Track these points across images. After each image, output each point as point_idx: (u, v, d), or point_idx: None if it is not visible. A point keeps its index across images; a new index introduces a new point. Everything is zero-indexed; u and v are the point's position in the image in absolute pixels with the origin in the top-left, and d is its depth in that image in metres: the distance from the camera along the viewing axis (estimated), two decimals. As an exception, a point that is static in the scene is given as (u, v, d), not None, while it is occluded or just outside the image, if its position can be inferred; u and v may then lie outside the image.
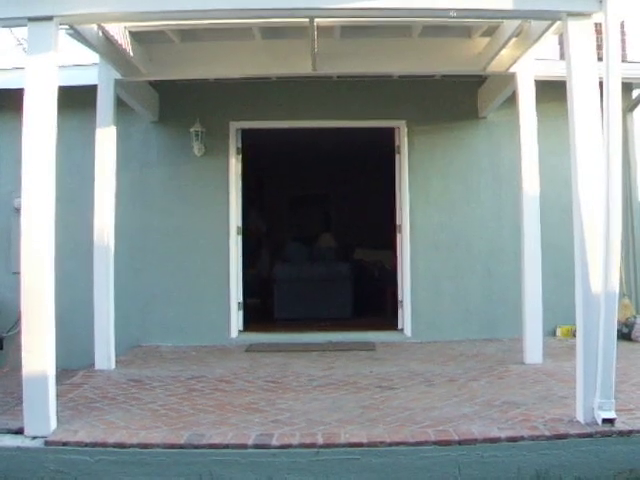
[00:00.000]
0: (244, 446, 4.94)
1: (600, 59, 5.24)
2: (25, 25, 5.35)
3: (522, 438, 4.97)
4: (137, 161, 9.36)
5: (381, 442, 4.95)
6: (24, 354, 5.25)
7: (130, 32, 7.16)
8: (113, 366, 7.65)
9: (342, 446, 4.92)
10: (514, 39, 7.11)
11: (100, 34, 6.79)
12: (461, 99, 9.43)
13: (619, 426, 5.06)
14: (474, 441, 4.94)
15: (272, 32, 7.48)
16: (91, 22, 6.39)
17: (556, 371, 7.08)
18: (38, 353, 5.25)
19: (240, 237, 9.62)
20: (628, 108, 9.47)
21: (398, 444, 4.93)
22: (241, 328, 9.62)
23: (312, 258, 12.45)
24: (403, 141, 9.51)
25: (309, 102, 9.43)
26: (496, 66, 7.64)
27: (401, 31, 7.50)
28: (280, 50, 7.67)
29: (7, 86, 8.58)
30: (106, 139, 7.60)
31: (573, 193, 5.39)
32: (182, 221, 9.37)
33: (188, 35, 7.60)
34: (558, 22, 5.84)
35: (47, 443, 5.07)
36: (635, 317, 9.02)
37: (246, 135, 9.74)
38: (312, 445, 4.93)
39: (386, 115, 9.53)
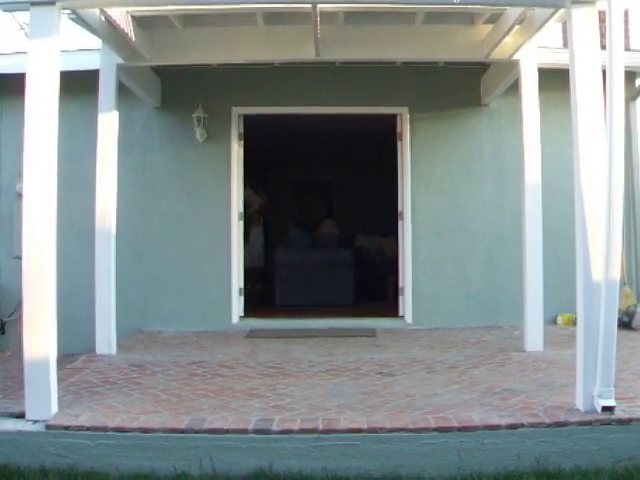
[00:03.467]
0: (245, 431, 4.95)
1: (603, 47, 5.22)
2: (27, 9, 5.35)
3: (522, 425, 4.97)
4: (139, 146, 9.36)
5: (381, 428, 4.96)
6: (25, 338, 5.27)
7: (132, 17, 7.14)
8: (114, 351, 7.67)
9: (342, 432, 4.93)
10: (517, 26, 7.10)
11: (102, 19, 6.77)
12: (464, 86, 9.41)
13: (619, 414, 5.06)
14: (474, 428, 4.95)
15: (275, 18, 7.47)
16: (93, 6, 6.36)
17: (556, 359, 7.09)
18: (39, 337, 5.27)
19: (242, 223, 9.62)
20: (631, 97, 9.45)
21: (398, 430, 4.94)
22: (242, 314, 9.63)
23: (314, 244, 12.45)
24: (405, 128, 9.50)
25: (312, 88, 9.42)
26: (499, 53, 7.63)
27: (404, 18, 7.48)
28: (283, 36, 7.66)
29: (9, 71, 8.58)
30: (108, 124, 7.59)
31: (575, 181, 5.39)
32: (184, 206, 9.38)
33: (191, 20, 7.58)
34: (562, 10, 5.81)
35: (48, 427, 5.08)
36: (636, 306, 9.02)
37: (248, 121, 9.73)
38: (313, 430, 4.94)
39: (388, 102, 9.52)
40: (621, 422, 5.00)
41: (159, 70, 9.13)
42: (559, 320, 9.17)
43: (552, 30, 7.40)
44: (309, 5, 6.49)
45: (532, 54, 7.50)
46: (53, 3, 5.32)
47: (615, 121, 5.06)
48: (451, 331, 8.88)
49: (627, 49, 9.58)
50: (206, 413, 5.31)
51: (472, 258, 9.39)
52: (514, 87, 7.86)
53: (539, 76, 7.50)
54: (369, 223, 14.33)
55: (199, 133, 9.28)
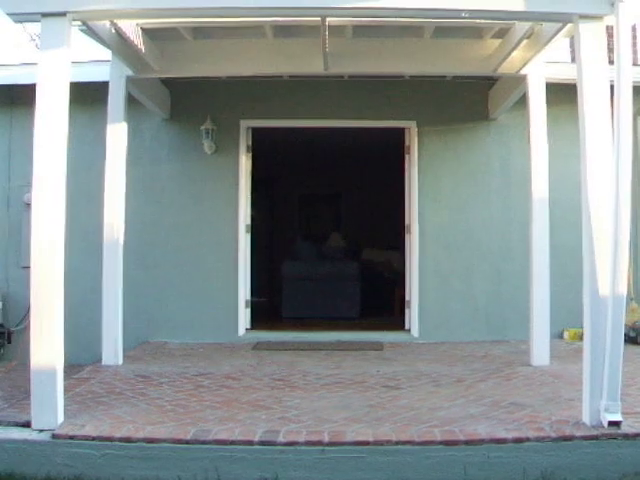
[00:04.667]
0: (250, 442, 4.96)
1: (611, 62, 5.24)
2: (38, 21, 5.39)
3: (528, 439, 4.97)
4: (148, 158, 9.39)
5: (387, 441, 4.95)
6: (32, 347, 5.28)
7: (142, 29, 7.17)
8: (120, 361, 7.68)
9: (348, 444, 4.93)
10: (525, 41, 7.11)
11: (112, 30, 6.81)
12: (472, 100, 9.43)
13: (625, 429, 5.05)
14: (480, 441, 4.95)
15: (284, 31, 7.50)
16: (104, 18, 6.40)
17: (563, 373, 7.08)
18: (46, 346, 5.28)
19: (249, 235, 9.64)
20: (639, 112, 9.42)
21: (404, 443, 4.94)
22: (248, 326, 9.64)
23: (321, 257, 12.47)
24: (413, 141, 9.51)
25: (320, 101, 9.45)
26: (507, 68, 7.64)
27: (413, 32, 7.50)
28: (292, 49, 7.68)
29: (19, 82, 8.63)
30: (117, 135, 7.62)
31: (582, 196, 5.39)
32: (192, 218, 9.40)
33: (200, 33, 7.62)
34: (569, 24, 5.83)
35: (54, 436, 5.09)
36: (643, 321, 9.01)
37: (256, 133, 9.75)
38: (318, 443, 4.94)
39: (397, 115, 9.53)
40: (627, 437, 4.99)
41: (168, 82, 9.16)
42: (565, 335, 9.14)
43: (560, 45, 7.42)
44: (318, 18, 6.51)
45: (540, 68, 7.51)
46: (64, 15, 5.36)
47: (622, 136, 5.06)
48: (457, 345, 8.86)
49: (635, 64, 9.61)
50: (212, 424, 5.31)
51: (479, 272, 9.38)
52: (522, 101, 7.88)
53: (547, 91, 7.52)
54: (376, 237, 14.32)
55: (207, 145, 9.30)
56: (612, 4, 5.19)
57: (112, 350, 7.64)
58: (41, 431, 5.17)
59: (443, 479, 4.83)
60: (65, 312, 5.44)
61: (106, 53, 7.51)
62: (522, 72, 7.57)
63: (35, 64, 5.46)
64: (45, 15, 5.36)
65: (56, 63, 5.37)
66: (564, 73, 8.02)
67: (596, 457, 4.92)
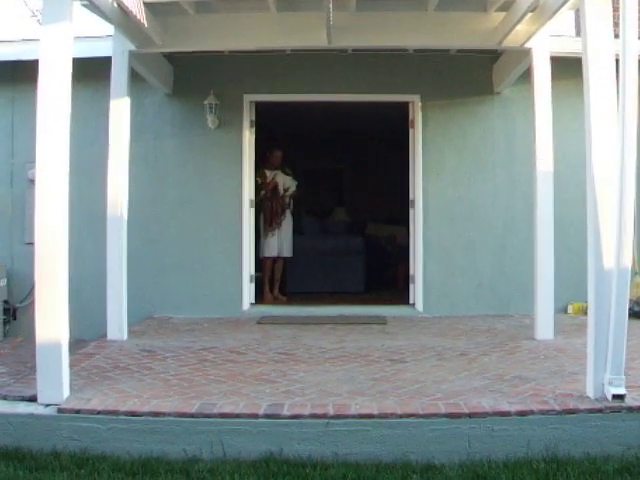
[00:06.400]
0: (255, 416, 4.98)
1: (617, 36, 5.20)
2: (41, -5, 5.36)
3: (532, 412, 4.99)
4: (151, 133, 9.38)
5: (392, 414, 4.98)
6: (38, 322, 5.29)
7: (145, 3, 7.11)
8: (125, 336, 7.71)
9: (353, 417, 4.96)
10: (530, 14, 7.06)
11: (115, 5, 6.78)
12: (476, 74, 9.38)
13: (629, 402, 5.07)
14: (484, 414, 4.97)
15: (287, 4, 7.44)
16: (106, -8, 6.38)
17: (567, 347, 7.09)
18: (52, 322, 5.30)
19: (253, 210, 9.64)
20: (644, 85, 9.38)
21: (409, 416, 4.96)
22: (253, 300, 9.67)
23: (325, 232, 12.46)
24: (417, 115, 9.48)
25: (323, 75, 9.40)
26: (511, 41, 7.58)
27: (417, 4, 7.46)
28: (295, 23, 7.62)
29: (22, 57, 8.60)
30: (120, 111, 7.62)
31: (587, 170, 5.38)
32: (195, 193, 9.39)
33: (203, 6, 7.56)
34: (575, -3, 5.80)
35: (60, 411, 5.12)
36: (647, 295, 9.01)
37: (260, 108, 9.73)
38: (323, 416, 4.96)
39: (401, 89, 9.50)
40: (631, 410, 5.01)
41: (171, 57, 9.11)
42: (569, 309, 9.16)
43: (565, 18, 7.38)
44: (321, -9, 6.47)
45: (545, 42, 7.48)
46: (66, -11, 5.34)
47: (627, 110, 5.03)
48: (461, 319, 8.88)
49: (640, 37, 9.54)
50: (217, 398, 5.34)
51: (483, 246, 9.38)
52: (526, 75, 7.85)
53: (552, 65, 7.48)
54: (380, 211, 14.28)
55: (211, 120, 9.28)
56: (618, -24, 5.15)
57: (117, 325, 7.67)
58: (47, 405, 5.20)
59: (447, 452, 4.85)
60: (70, 288, 5.46)
61: (109, 28, 7.48)
62: (527, 45, 7.52)
63: (37, 40, 5.44)
64: (47, -11, 5.33)
65: (58, 38, 5.35)
66: (569, 47, 7.97)
67: (600, 430, 4.94)
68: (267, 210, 10.61)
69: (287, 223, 10.89)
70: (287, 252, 10.82)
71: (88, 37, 8.30)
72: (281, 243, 10.71)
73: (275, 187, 10.66)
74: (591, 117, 5.32)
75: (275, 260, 10.68)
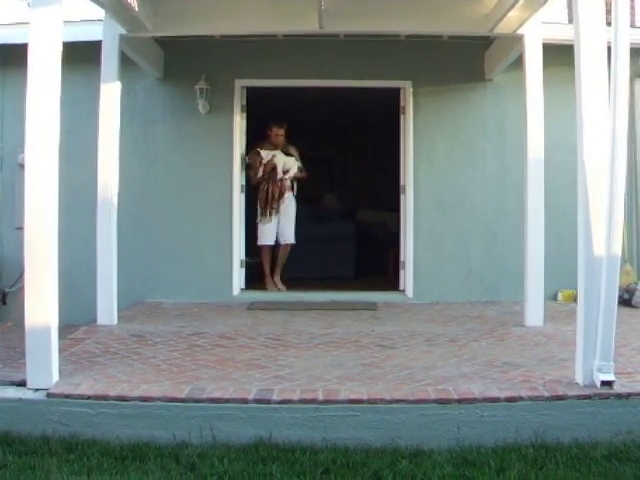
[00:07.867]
0: (245, 401, 4.99)
1: (609, 24, 5.19)
2: (30, -22, 5.33)
3: (521, 398, 5.01)
4: (141, 118, 9.34)
5: (381, 399, 4.99)
6: (27, 306, 5.28)
7: (135, -13, 7.11)
8: (115, 321, 7.70)
9: (342, 402, 4.97)
10: (522, 0, 7.04)
11: (105, -12, 6.75)
12: (468, 61, 9.36)
13: (617, 389, 5.09)
14: (474, 400, 4.98)
15: (279, -11, 7.43)
16: (96, -24, 6.34)
17: (556, 334, 7.11)
18: (41, 306, 5.29)
19: (244, 195, 9.62)
20: (635, 74, 9.36)
21: (398, 401, 4.97)
22: (243, 286, 9.66)
23: (315, 218, 12.44)
24: (408, 102, 9.47)
25: (315, 61, 9.37)
26: (503, 28, 7.57)
27: (409, -10, 7.45)
28: (287, 7, 7.58)
29: (11, 41, 8.50)
30: (110, 95, 7.58)
31: (578, 157, 5.38)
32: (186, 178, 9.37)
33: (194, -10, 7.54)
34: (567, -17, 5.79)
35: (49, 395, 5.12)
36: (637, 283, 9.03)
37: (251, 93, 9.70)
38: (312, 401, 4.98)
39: (392, 75, 9.48)
40: (620, 396, 5.03)
41: (162, 41, 9.06)
42: (559, 296, 9.19)
43: (557, 5, 7.36)
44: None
45: (537, 29, 7.47)
46: (56, -29, 5.30)
47: (619, 98, 5.03)
48: (451, 305, 8.90)
49: (632, 26, 9.50)
50: (206, 383, 5.35)
51: (473, 233, 9.39)
52: (518, 62, 7.83)
53: (544, 52, 7.48)
54: (371, 198, 14.27)
55: (201, 105, 9.25)
56: (610, -37, 5.14)
57: (107, 310, 7.66)
58: (36, 390, 5.19)
59: (436, 437, 4.86)
60: (59, 273, 5.44)
61: (99, 12, 7.43)
62: (519, 32, 7.51)
63: (28, 23, 5.40)
64: (37, -28, 5.29)
65: (48, 22, 5.31)
66: (561, 34, 7.94)
67: (589, 416, 4.96)
68: (262, 194, 9.89)
69: (288, 208, 10.07)
70: (287, 238, 10.04)
71: (79, 21, 8.24)
72: (281, 229, 10.02)
73: (273, 169, 9.92)
74: (582, 104, 5.31)
75: (274, 247, 10.09)
